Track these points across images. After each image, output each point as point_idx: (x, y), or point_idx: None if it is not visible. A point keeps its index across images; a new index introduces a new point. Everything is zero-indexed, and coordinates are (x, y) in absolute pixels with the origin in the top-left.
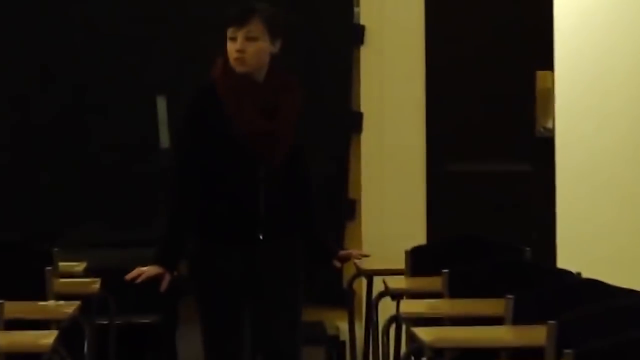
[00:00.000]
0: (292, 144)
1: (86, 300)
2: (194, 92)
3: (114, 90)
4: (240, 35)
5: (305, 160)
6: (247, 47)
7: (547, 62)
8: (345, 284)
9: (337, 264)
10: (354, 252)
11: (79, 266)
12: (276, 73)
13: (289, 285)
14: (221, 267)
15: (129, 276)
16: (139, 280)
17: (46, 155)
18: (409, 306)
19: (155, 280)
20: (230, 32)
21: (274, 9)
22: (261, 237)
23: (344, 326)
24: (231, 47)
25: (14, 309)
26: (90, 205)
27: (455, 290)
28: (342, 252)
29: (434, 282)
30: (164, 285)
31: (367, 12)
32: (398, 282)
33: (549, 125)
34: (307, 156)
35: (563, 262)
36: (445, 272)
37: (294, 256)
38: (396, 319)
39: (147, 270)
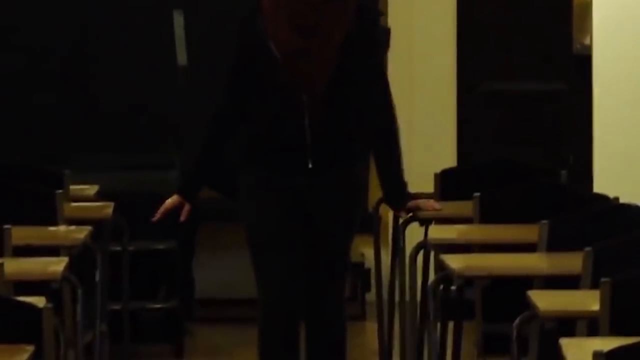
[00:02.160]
0: (335, 65)
1: (98, 225)
2: (243, 13)
3: (127, 4)
4: None
5: (379, 85)
6: None
7: None
8: (370, 208)
9: (403, 214)
10: (425, 203)
11: (91, 189)
12: None
13: (340, 223)
14: (270, 197)
15: (155, 219)
16: (158, 216)
17: (56, 76)
18: (437, 232)
19: (176, 209)
20: None
21: None
22: (310, 165)
23: (369, 253)
24: None
25: (23, 234)
26: (102, 126)
27: (486, 216)
28: (410, 203)
29: (465, 207)
30: (183, 215)
31: None
32: None
33: (587, 41)
34: (381, 77)
35: (600, 186)
36: (476, 197)
37: (351, 190)
38: (424, 245)
39: (167, 204)
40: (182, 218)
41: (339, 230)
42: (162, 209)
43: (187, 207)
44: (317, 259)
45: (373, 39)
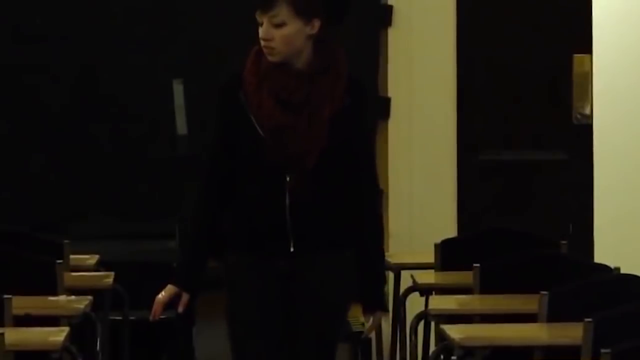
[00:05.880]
0: (325, 143)
1: (99, 295)
2: (223, 82)
3: (127, 74)
4: (265, 20)
5: (365, 165)
6: (273, 34)
7: (585, 45)
8: None
9: (368, 317)
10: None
11: (91, 259)
12: (319, 58)
13: (326, 310)
14: (253, 280)
15: (153, 318)
16: (157, 314)
17: (57, 143)
18: (438, 302)
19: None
20: (257, 16)
21: None
22: (292, 249)
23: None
24: (259, 32)
25: (23, 304)
26: (102, 195)
27: (486, 286)
28: (371, 324)
29: (465, 277)
30: (181, 307)
31: None
32: (427, 277)
33: (587, 111)
34: (370, 160)
35: (600, 256)
36: (476, 267)
37: (338, 275)
38: (425, 315)
39: (161, 298)
40: (180, 310)
41: (324, 316)
42: (157, 306)
43: (185, 298)
44: (302, 346)
45: (364, 115)
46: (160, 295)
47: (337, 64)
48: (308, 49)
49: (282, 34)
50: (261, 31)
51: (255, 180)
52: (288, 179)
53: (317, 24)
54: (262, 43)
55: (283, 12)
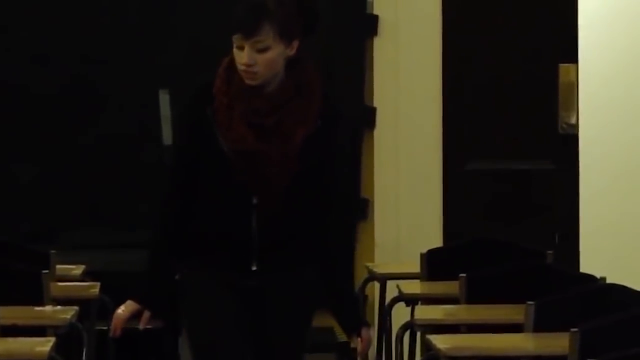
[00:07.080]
0: (296, 167)
1: (85, 305)
2: (192, 92)
3: (114, 83)
4: (248, 46)
5: (338, 185)
6: (257, 60)
7: (571, 55)
8: (356, 288)
9: (355, 338)
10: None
11: (77, 269)
12: (292, 79)
13: (290, 331)
14: (214, 296)
15: (113, 334)
16: (117, 331)
17: (42, 152)
18: (424, 312)
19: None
20: (236, 40)
21: (287, 5)
22: (255, 268)
23: None
24: (238, 57)
25: (9, 314)
26: (88, 205)
27: (472, 296)
28: (364, 334)
29: (451, 287)
30: (142, 323)
31: (381, 2)
32: (413, 287)
33: (572, 121)
34: (343, 180)
35: (586, 266)
36: (462, 277)
37: (300, 293)
38: (410, 325)
39: (122, 314)
40: (141, 327)
41: (287, 334)
42: (116, 321)
43: (146, 315)
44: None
45: (337, 136)
46: (120, 311)
47: (310, 84)
48: (281, 71)
49: (265, 58)
50: (242, 56)
51: (221, 198)
52: (255, 200)
53: (296, 44)
54: (243, 68)
55: (269, 35)
